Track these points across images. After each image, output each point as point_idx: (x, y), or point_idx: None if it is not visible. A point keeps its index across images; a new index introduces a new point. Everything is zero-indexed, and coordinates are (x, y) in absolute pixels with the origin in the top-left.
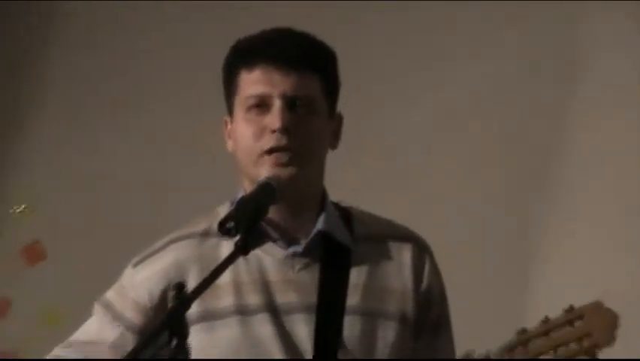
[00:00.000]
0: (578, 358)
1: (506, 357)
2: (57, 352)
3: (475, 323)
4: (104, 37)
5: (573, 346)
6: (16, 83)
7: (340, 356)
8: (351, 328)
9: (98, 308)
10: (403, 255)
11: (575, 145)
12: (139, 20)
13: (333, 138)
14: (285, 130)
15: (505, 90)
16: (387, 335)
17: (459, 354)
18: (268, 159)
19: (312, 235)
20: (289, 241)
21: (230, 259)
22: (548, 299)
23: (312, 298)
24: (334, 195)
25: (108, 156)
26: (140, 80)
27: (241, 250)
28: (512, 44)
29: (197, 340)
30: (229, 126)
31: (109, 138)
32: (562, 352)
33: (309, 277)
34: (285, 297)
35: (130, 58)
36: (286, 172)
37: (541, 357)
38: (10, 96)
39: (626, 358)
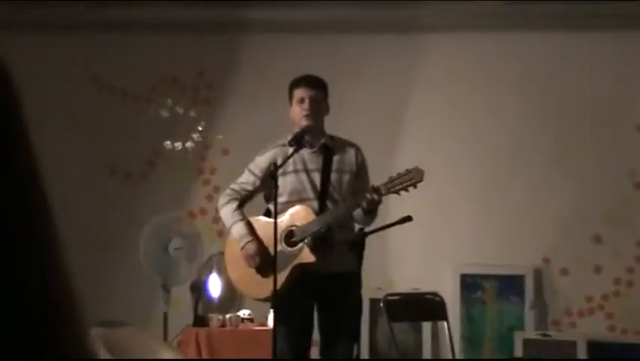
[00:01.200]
0: (409, 186)
1: (385, 186)
2: (232, 186)
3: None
4: None
5: (407, 182)
6: None
7: (329, 187)
8: (333, 177)
9: (246, 170)
10: (351, 151)
11: None
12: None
13: (326, 111)
14: (309, 109)
15: None
16: (345, 179)
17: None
18: (304, 119)
19: (320, 144)
20: (312, 147)
21: (292, 154)
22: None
23: (320, 166)
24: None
25: (258, 118)
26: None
27: (296, 150)
28: None
29: (280, 182)
30: (290, 108)
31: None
32: (405, 184)
33: (320, 159)
34: (310, 166)
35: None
36: (311, 122)
37: (397, 187)
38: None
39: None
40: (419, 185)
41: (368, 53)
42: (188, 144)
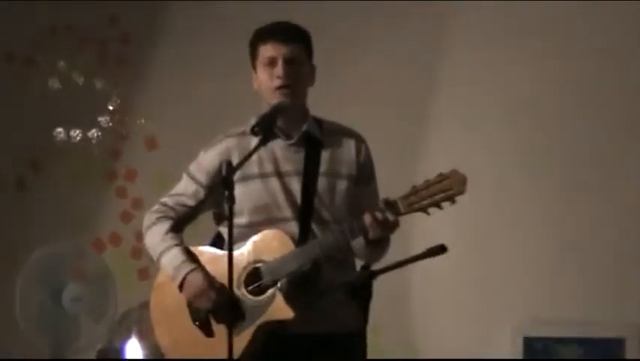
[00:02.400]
0: (444, 201)
1: (404, 200)
2: (163, 199)
3: (387, 181)
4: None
5: (442, 195)
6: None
7: (316, 200)
8: (321, 183)
9: (184, 175)
10: (350, 143)
11: None
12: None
13: (311, 79)
14: (285, 76)
15: None
16: (340, 186)
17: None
18: (277, 92)
19: (300, 133)
20: (288, 137)
21: (256, 147)
22: (431, 168)
23: (301, 167)
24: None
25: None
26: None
27: (262, 142)
28: None
29: (238, 192)
30: (254, 76)
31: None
32: (436, 198)
33: (299, 157)
34: (286, 167)
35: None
36: (287, 98)
37: (423, 202)
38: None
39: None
40: (459, 198)
41: (370, 17)
42: (93, 133)
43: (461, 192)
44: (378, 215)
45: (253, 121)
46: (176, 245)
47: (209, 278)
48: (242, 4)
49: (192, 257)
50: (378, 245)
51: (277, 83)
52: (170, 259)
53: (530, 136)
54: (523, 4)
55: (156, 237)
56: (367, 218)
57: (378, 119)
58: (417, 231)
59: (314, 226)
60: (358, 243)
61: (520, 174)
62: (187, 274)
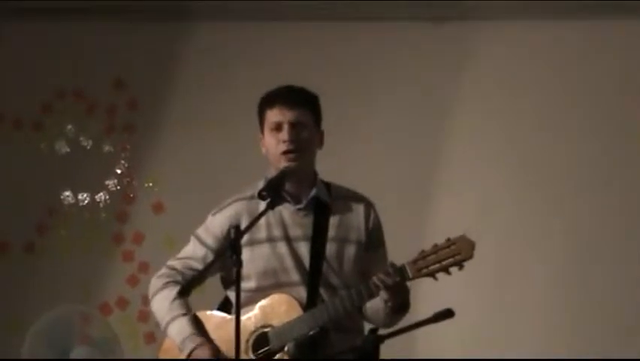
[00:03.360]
0: (452, 266)
1: (413, 265)
2: (170, 262)
3: (396, 247)
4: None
5: (450, 260)
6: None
7: (324, 265)
8: (330, 249)
9: (193, 238)
10: (359, 208)
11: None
12: None
13: (319, 143)
14: (290, 140)
15: None
16: (349, 252)
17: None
18: (283, 157)
19: (309, 198)
20: (296, 201)
21: (264, 212)
22: (439, 232)
23: (309, 232)
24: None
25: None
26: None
27: (270, 206)
28: None
29: (245, 256)
30: (262, 140)
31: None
32: (444, 263)
33: (308, 221)
34: (294, 232)
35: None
36: (292, 163)
37: (431, 267)
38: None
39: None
40: (468, 263)
41: (379, 49)
42: (100, 196)
43: (469, 257)
44: (387, 280)
45: (261, 185)
46: (184, 314)
47: (215, 354)
48: (252, 66)
49: (200, 328)
50: (400, 310)
51: (283, 147)
52: (178, 330)
53: (544, 193)
54: (535, 53)
55: (164, 303)
56: (375, 283)
57: (386, 177)
58: (423, 292)
59: (322, 291)
60: (374, 309)
61: (530, 232)
62: (194, 349)
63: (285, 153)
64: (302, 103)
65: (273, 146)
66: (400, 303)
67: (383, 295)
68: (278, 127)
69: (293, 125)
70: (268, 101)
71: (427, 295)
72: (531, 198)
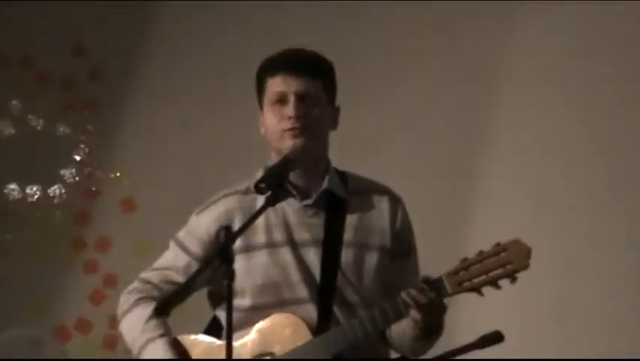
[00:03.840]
0: (502, 278)
1: (452, 278)
2: (144, 274)
3: (431, 253)
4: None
5: (499, 270)
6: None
7: (339, 277)
8: (346, 256)
9: (172, 244)
10: (382, 204)
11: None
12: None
13: (333, 122)
14: (297, 117)
15: None
16: (371, 260)
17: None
18: (287, 135)
19: (319, 191)
20: (303, 195)
21: (262, 209)
22: (484, 236)
23: (320, 235)
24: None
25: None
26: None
27: (270, 202)
28: None
29: (239, 266)
30: (261, 117)
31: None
32: (492, 275)
33: (318, 221)
34: (300, 235)
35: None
36: (299, 142)
37: (475, 280)
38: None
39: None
40: (521, 275)
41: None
42: (54, 190)
43: (524, 267)
44: (420, 297)
45: (259, 175)
46: (161, 336)
47: None
48: (243, 29)
49: (182, 353)
50: (431, 335)
51: (287, 124)
52: (155, 355)
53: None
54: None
55: (136, 325)
56: (404, 300)
57: (413, 174)
58: (465, 313)
59: (336, 310)
60: (400, 334)
61: (588, 236)
62: None
63: (290, 131)
64: (313, 70)
65: (275, 123)
66: (431, 325)
67: (413, 314)
68: (281, 99)
69: (300, 98)
70: (270, 67)
71: (470, 314)
72: (600, 194)
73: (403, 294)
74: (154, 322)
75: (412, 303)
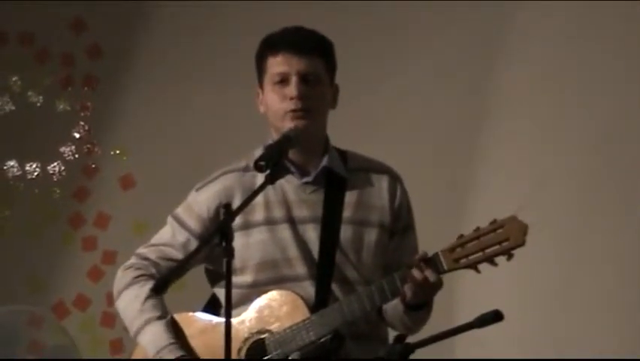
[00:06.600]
0: (498, 255)
1: (448, 254)
2: (141, 250)
3: (428, 231)
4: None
5: (496, 247)
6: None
7: (338, 254)
8: (345, 234)
9: (170, 220)
10: (382, 182)
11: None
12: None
13: (332, 101)
14: (299, 97)
15: None
16: (370, 238)
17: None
18: (289, 116)
19: (319, 168)
20: (303, 173)
21: (262, 187)
22: (480, 214)
23: (319, 212)
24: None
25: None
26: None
27: (269, 180)
28: None
29: (238, 243)
30: (260, 96)
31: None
32: (488, 251)
33: (317, 198)
34: (299, 212)
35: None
36: (301, 123)
37: (472, 256)
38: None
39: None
40: (518, 252)
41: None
42: (53, 167)
43: (521, 244)
44: (416, 274)
45: (258, 153)
46: (159, 318)
47: None
48: (244, 6)
49: (180, 336)
50: (420, 312)
51: (289, 105)
52: (152, 339)
53: (600, 180)
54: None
55: (134, 303)
56: (401, 278)
57: (412, 153)
58: (463, 291)
59: (335, 288)
60: (392, 309)
61: (588, 220)
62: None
63: (291, 111)
64: (315, 49)
65: (276, 103)
66: (421, 302)
67: (407, 289)
68: (283, 79)
69: (303, 78)
70: (271, 45)
71: (467, 292)
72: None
73: (401, 270)
74: (151, 301)
75: (409, 280)
